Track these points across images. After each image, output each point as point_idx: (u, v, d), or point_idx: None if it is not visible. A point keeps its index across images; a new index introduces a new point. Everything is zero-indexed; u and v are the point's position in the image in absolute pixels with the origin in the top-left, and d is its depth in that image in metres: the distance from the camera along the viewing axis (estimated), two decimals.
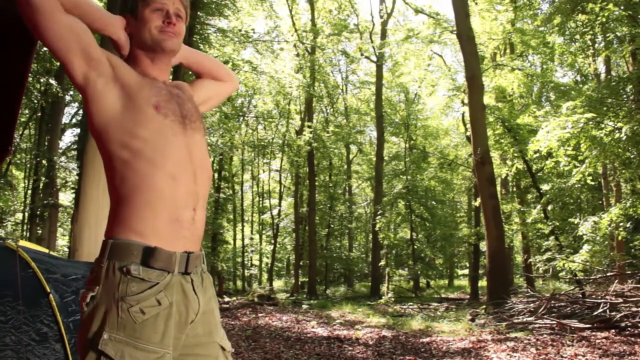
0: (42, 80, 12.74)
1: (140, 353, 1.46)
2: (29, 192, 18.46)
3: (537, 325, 8.64)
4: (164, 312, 1.52)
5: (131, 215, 1.56)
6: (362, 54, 23.82)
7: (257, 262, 31.14)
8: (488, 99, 16.38)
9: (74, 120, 20.95)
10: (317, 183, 24.01)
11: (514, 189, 19.52)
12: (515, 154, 15.23)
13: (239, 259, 28.24)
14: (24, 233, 18.17)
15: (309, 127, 21.25)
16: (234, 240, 28.86)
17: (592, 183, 13.94)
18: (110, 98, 1.61)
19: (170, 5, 1.72)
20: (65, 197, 20.18)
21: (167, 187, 1.59)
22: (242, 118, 24.61)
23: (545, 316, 9.00)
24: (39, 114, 17.00)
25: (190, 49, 1.99)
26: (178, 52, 1.80)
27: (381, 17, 23.12)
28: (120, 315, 1.46)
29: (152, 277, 1.52)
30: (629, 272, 12.45)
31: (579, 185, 13.16)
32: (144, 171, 1.57)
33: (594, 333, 7.63)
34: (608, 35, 13.39)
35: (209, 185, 1.76)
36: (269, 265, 27.29)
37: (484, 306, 12.06)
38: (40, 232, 15.46)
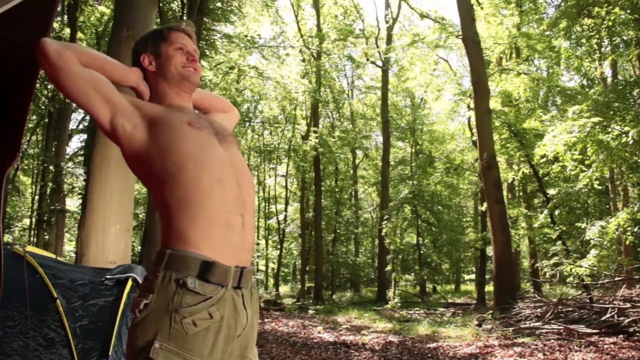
0: (49, 86, 12.82)
1: None
2: (36, 197, 18.54)
3: (544, 331, 8.59)
4: (214, 326, 1.54)
5: (185, 227, 1.60)
6: (367, 59, 23.83)
7: (263, 268, 31.11)
8: (494, 104, 16.36)
9: (80, 126, 21.08)
10: (323, 188, 24.00)
11: (521, 194, 19.47)
12: (522, 159, 15.18)
13: None
14: (32, 238, 18.25)
15: (315, 132, 21.26)
16: None
17: (599, 187, 13.87)
18: (142, 135, 1.68)
19: (190, 46, 1.89)
20: (72, 203, 20.22)
21: (215, 191, 1.63)
22: (248, 123, 24.65)
23: (552, 321, 8.95)
24: (46, 120, 17.10)
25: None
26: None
27: (387, 22, 23.17)
28: (173, 326, 1.49)
29: (207, 291, 1.55)
30: (637, 276, 12.36)
31: (586, 190, 13.10)
32: (190, 181, 1.62)
33: (601, 338, 7.59)
34: (614, 39, 13.37)
35: (253, 193, 1.81)
36: (275, 270, 27.25)
37: (490, 311, 12.01)
38: (47, 237, 15.50)
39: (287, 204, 27.62)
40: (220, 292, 1.57)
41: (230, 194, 1.66)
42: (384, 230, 19.35)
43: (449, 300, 19.62)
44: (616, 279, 10.84)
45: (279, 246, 26.98)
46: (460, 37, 14.53)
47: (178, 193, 1.61)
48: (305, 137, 22.76)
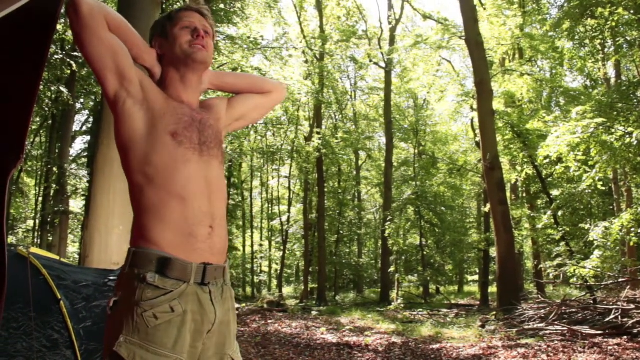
0: (53, 88, 12.84)
1: (152, 356, 1.51)
2: (40, 199, 18.57)
3: (548, 332, 8.58)
4: (177, 319, 1.56)
5: (149, 227, 1.63)
6: (370, 60, 23.79)
7: (266, 269, 31.11)
8: (497, 105, 16.33)
9: (84, 128, 21.10)
10: (326, 189, 23.98)
11: (524, 195, 19.41)
12: (525, 160, 15.16)
13: (249, 266, 28.26)
14: (35, 240, 18.30)
15: (318, 133, 21.24)
16: (243, 246, 28.88)
17: (603, 188, 13.82)
18: (136, 120, 1.70)
19: (197, 23, 1.83)
20: (76, 204, 20.28)
21: (178, 208, 1.65)
22: (250, 125, 24.64)
23: (556, 322, 8.93)
24: (50, 122, 17.15)
25: (221, 72, 2.09)
26: (207, 70, 1.92)
27: (390, 23, 23.11)
28: (135, 320, 1.53)
29: (167, 285, 1.58)
30: None
31: (590, 191, 13.08)
32: (156, 195, 1.65)
33: (605, 339, 7.57)
34: (618, 39, 13.31)
35: (224, 205, 1.82)
36: (278, 271, 27.25)
37: (494, 312, 11.99)
38: (51, 239, 15.55)
39: (290, 205, 27.64)
40: (182, 287, 1.59)
41: (197, 209, 1.67)
42: (387, 231, 19.33)
43: (452, 302, 19.59)
44: (620, 280, 10.82)
45: (282, 247, 27.00)
46: (463, 38, 14.52)
47: (144, 202, 1.65)
48: (308, 139, 22.74)
